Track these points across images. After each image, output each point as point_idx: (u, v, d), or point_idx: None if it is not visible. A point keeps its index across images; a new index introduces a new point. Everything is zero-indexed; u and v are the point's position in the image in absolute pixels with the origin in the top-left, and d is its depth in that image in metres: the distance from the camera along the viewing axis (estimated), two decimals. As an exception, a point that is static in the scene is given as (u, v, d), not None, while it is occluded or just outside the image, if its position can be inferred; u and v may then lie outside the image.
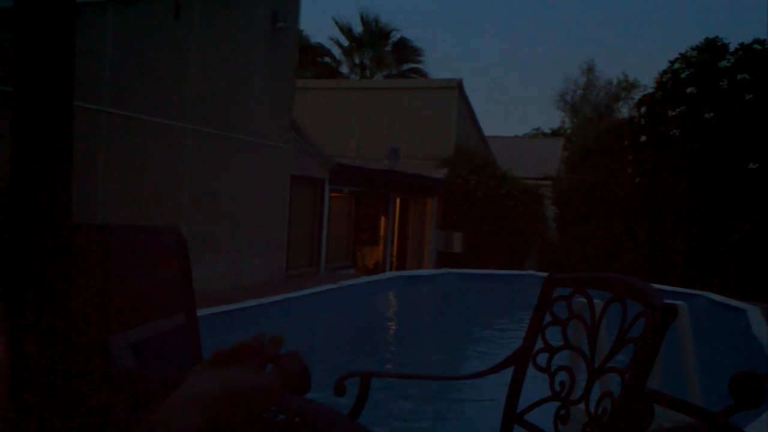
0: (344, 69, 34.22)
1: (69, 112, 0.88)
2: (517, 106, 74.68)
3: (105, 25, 8.60)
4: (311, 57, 32.50)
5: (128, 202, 8.95)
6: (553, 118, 71.84)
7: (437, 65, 77.34)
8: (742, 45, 16.83)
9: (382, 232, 18.67)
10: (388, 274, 15.82)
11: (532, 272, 15.83)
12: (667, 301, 1.81)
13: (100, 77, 8.54)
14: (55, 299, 0.60)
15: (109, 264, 1.55)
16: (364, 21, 33.28)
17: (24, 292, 0.59)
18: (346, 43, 33.91)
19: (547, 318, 2.42)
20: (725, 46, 17.12)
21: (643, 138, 17.89)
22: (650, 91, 18.72)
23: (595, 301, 2.24)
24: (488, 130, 24.64)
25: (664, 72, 17.94)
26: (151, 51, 9.53)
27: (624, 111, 38.10)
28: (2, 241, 0.67)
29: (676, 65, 17.56)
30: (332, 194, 15.35)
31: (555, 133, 41.88)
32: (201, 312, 1.97)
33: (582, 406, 2.14)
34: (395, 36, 33.46)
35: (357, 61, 34.03)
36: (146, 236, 1.96)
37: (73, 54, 0.91)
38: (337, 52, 34.19)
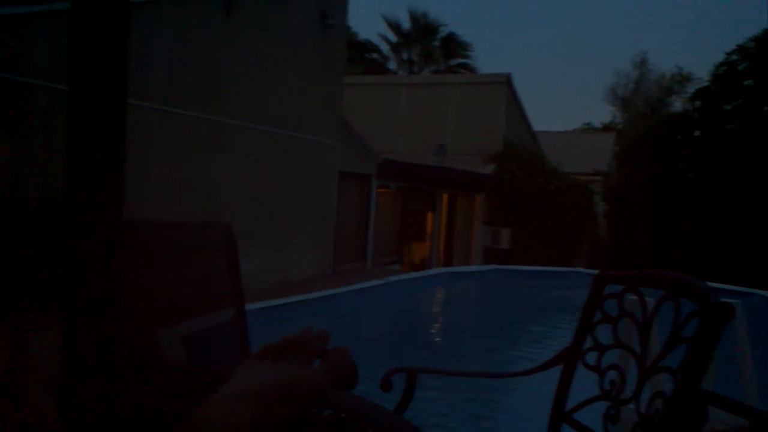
0: (392, 65, 34.25)
1: (122, 111, 0.89)
2: (567, 100, 73.57)
3: (158, 23, 8.76)
4: (359, 53, 32.60)
5: (179, 197, 9.10)
6: (603, 113, 70.68)
7: (486, 60, 76.71)
8: (802, 36, 16.30)
9: (428, 228, 18.63)
10: (434, 270, 15.79)
11: (581, 269, 15.62)
12: (722, 299, 1.76)
13: (152, 75, 8.70)
14: (107, 295, 0.62)
15: (160, 260, 1.58)
16: (413, 16, 33.26)
17: (77, 288, 0.61)
18: (394, 39, 33.92)
19: (597, 316, 2.39)
20: (785, 37, 16.60)
21: (697, 133, 17.47)
22: (705, 84, 18.27)
23: (647, 298, 2.20)
24: (537, 125, 24.39)
25: (721, 64, 17.48)
26: (203, 48, 9.68)
27: (677, 105, 37.19)
28: (56, 238, 0.69)
29: (733, 57, 17.09)
30: (379, 190, 15.37)
31: (606, 128, 41.12)
32: (249, 306, 2.00)
33: (632, 405, 2.10)
34: (443, 31, 33.35)
35: (405, 56, 34.01)
36: (196, 232, 2.00)
37: (127, 53, 0.93)
38: (385, 48, 34.25)
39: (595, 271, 2.50)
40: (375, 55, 34.19)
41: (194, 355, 1.70)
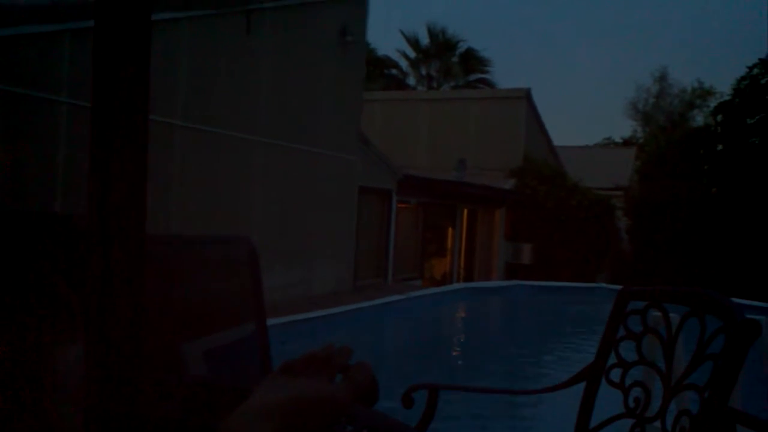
0: (411, 81, 34.37)
1: (144, 127, 0.90)
2: (588, 115, 73.25)
3: (179, 40, 8.87)
4: (379, 69, 32.75)
5: (201, 212, 9.16)
6: (624, 127, 70.17)
7: (505, 75, 76.58)
8: (826, 49, 16.13)
9: (449, 244, 18.58)
10: (456, 286, 15.73)
11: (604, 285, 15.48)
12: (748, 316, 1.73)
13: (173, 91, 8.80)
14: (130, 308, 0.62)
15: (182, 274, 1.59)
16: (431, 32, 33.37)
17: (100, 302, 0.61)
18: (413, 54, 34.05)
19: (621, 332, 2.36)
20: (808, 51, 16.43)
21: (720, 147, 17.31)
22: (727, 98, 18.11)
23: (671, 315, 2.17)
24: (558, 139, 24.28)
25: (742, 78, 17.32)
26: (223, 65, 9.77)
27: (699, 119, 36.90)
28: (81, 252, 0.69)
29: (756, 71, 16.94)
30: (399, 205, 15.37)
31: (626, 143, 40.87)
32: (271, 322, 2.00)
33: (658, 423, 2.07)
34: (462, 47, 33.43)
35: (424, 72, 34.12)
36: (218, 247, 2.00)
37: (149, 70, 0.94)
38: (404, 64, 34.39)
39: (618, 287, 2.47)
40: (394, 71, 34.34)
41: (216, 370, 1.70)
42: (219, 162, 9.71)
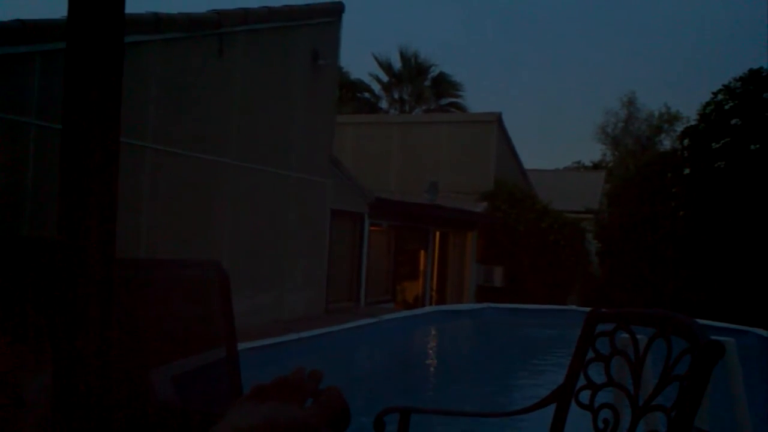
0: (384, 104, 34.54)
1: (115, 149, 0.90)
2: (558, 139, 74.02)
3: (151, 62, 8.84)
4: (351, 93, 32.88)
5: (171, 236, 9.08)
6: (594, 151, 71.08)
7: (476, 99, 77.21)
8: (787, 75, 16.57)
9: (421, 267, 18.60)
10: (428, 309, 15.73)
11: (574, 307, 15.59)
12: (713, 337, 1.76)
13: (144, 113, 8.75)
14: (99, 333, 0.61)
15: (152, 298, 1.58)
16: (404, 57, 33.64)
17: (69, 326, 0.61)
18: (385, 78, 34.26)
19: (590, 354, 2.38)
20: (770, 77, 16.86)
21: (687, 171, 17.62)
22: (693, 123, 18.49)
23: (639, 337, 2.20)
24: (528, 163, 24.51)
25: (708, 104, 17.71)
26: (195, 88, 9.75)
27: (666, 143, 37.56)
28: (49, 276, 0.69)
29: (720, 96, 17.33)
30: (372, 228, 15.37)
31: (596, 166, 41.40)
32: (241, 346, 1.98)
33: (627, 445, 2.08)
34: (434, 71, 33.72)
35: (396, 96, 34.33)
36: (189, 271, 1.99)
37: (120, 93, 0.94)
38: (376, 87, 34.58)
39: (588, 309, 2.50)
40: (367, 95, 34.50)
41: (186, 395, 1.68)
42: (190, 184, 9.65)
